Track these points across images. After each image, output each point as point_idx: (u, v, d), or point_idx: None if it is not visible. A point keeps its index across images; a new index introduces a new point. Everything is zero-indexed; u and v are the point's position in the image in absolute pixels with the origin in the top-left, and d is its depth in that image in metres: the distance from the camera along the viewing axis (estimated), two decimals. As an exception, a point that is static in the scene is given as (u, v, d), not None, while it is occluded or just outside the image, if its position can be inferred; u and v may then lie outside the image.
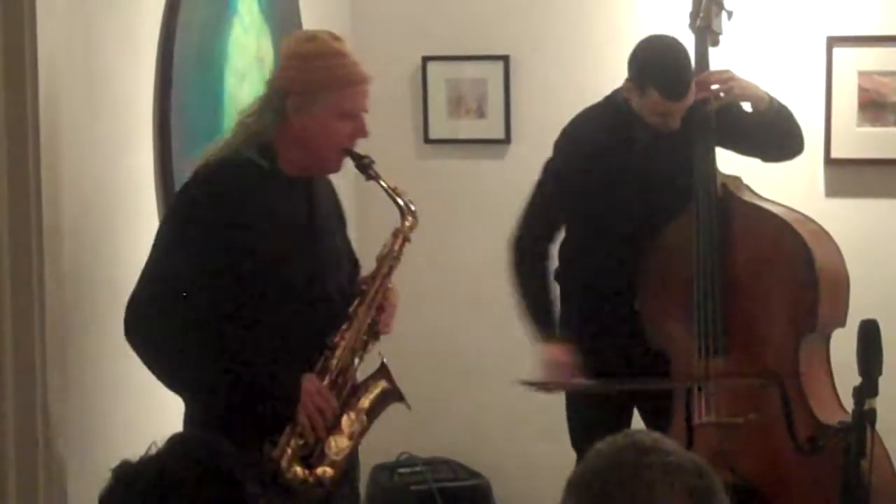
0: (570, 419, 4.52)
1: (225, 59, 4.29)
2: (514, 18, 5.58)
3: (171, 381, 3.32)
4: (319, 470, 3.32)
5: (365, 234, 4.87)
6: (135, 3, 3.76)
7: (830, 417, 4.05)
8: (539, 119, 5.56)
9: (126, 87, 3.71)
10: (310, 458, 3.32)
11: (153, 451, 2.27)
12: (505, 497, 5.46)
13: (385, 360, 3.49)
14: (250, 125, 3.36)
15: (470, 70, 5.62)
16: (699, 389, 4.20)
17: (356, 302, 3.44)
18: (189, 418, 3.38)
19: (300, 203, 3.41)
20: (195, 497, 2.18)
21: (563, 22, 5.53)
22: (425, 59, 5.62)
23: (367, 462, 4.38)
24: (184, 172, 3.90)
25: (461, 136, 5.67)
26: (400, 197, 3.48)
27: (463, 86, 5.63)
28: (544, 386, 4.32)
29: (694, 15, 4.43)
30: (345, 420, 3.37)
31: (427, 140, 5.67)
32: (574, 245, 4.47)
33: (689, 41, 4.46)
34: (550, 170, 4.47)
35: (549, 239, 4.49)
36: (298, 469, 3.29)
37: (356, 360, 3.43)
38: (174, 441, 2.31)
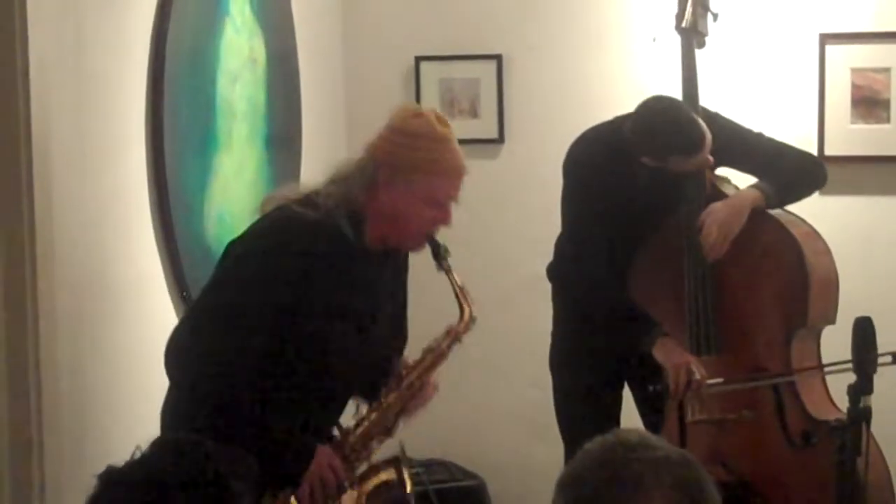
0: (559, 416, 4.51)
1: (217, 60, 4.28)
2: (506, 18, 5.58)
3: (202, 420, 3.19)
4: None
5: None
6: (126, 5, 3.75)
7: (823, 413, 4.07)
8: (532, 118, 5.56)
9: (118, 88, 3.71)
10: None
11: (137, 455, 2.27)
12: (501, 497, 5.46)
13: (403, 449, 3.44)
14: (341, 187, 3.29)
15: (463, 70, 5.61)
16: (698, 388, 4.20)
17: (390, 388, 3.42)
18: (174, 408, 3.33)
19: (371, 272, 3.36)
20: (181, 500, 2.17)
21: (555, 21, 5.53)
22: (418, 59, 5.61)
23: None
24: (176, 175, 3.91)
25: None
26: (465, 297, 3.46)
27: (456, 85, 5.62)
28: (668, 392, 4.20)
29: (679, 16, 4.42)
30: (346, 497, 3.34)
31: (420, 140, 5.66)
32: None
33: (675, 43, 4.46)
34: (570, 202, 4.40)
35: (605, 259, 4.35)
36: None
37: (374, 443, 3.41)
38: (158, 444, 2.31)
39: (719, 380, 4.15)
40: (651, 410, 4.39)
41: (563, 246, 4.45)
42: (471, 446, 5.62)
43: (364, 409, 3.43)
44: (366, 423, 3.38)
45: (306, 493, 3.26)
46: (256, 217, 3.37)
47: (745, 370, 4.20)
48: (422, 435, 5.54)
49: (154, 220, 3.87)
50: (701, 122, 4.17)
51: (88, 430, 3.48)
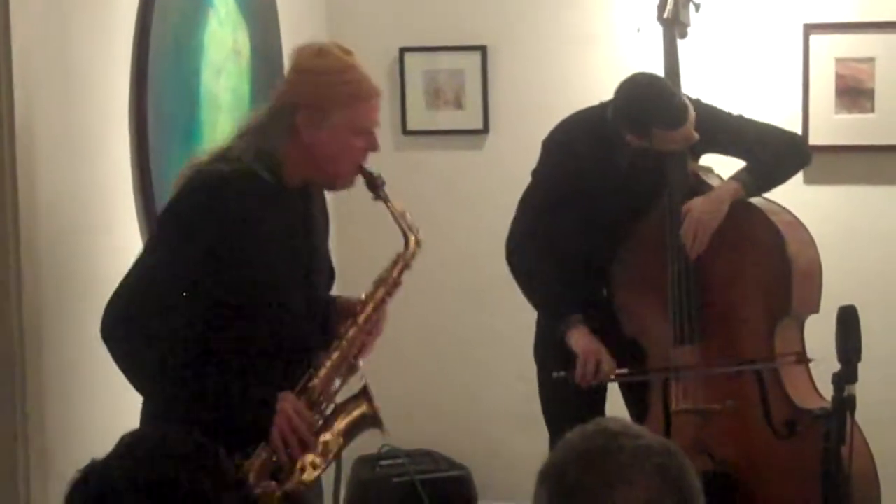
0: (544, 406, 4.52)
1: (201, 52, 4.27)
2: (490, 9, 5.59)
3: (146, 389, 3.24)
4: (288, 486, 3.25)
5: (344, 245, 4.87)
6: (110, -3, 3.75)
7: (807, 402, 4.09)
8: (517, 109, 5.57)
9: (102, 81, 3.70)
10: (280, 473, 3.25)
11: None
12: (486, 488, 5.46)
13: (367, 382, 3.41)
14: (258, 138, 3.26)
15: (447, 61, 5.62)
16: (676, 376, 4.22)
17: (348, 324, 3.38)
18: (151, 415, 3.32)
19: (298, 216, 3.35)
20: (135, 498, 2.17)
21: (539, 12, 5.54)
22: (402, 51, 5.61)
23: (350, 454, 4.38)
24: (162, 168, 3.91)
25: (439, 127, 5.67)
26: (406, 222, 3.41)
27: (440, 76, 5.63)
28: (573, 379, 4.27)
29: (661, 7, 4.42)
30: (321, 440, 3.31)
31: (405, 131, 5.68)
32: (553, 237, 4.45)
33: (659, 33, 4.46)
34: (540, 178, 4.44)
35: (546, 235, 4.40)
36: (266, 483, 3.22)
37: (339, 382, 3.37)
38: (124, 443, 2.30)
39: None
40: (636, 399, 4.41)
41: (513, 226, 4.48)
42: (456, 437, 5.63)
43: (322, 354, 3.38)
44: (328, 364, 3.34)
45: (280, 444, 3.23)
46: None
47: (727, 359, 4.21)
48: (408, 425, 5.58)
49: (138, 212, 3.87)
50: (684, 97, 4.19)
51: (73, 423, 3.47)
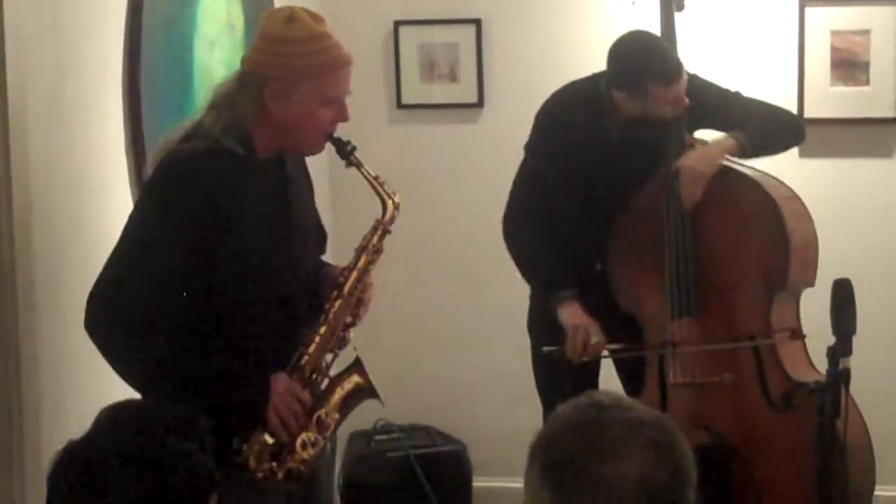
0: (537, 379, 4.52)
1: (194, 26, 4.25)
2: (485, -18, 5.57)
3: (135, 380, 3.18)
4: (289, 466, 3.25)
5: (339, 214, 4.84)
6: (102, -30, 3.73)
7: (803, 375, 4.09)
8: (511, 83, 5.55)
9: (94, 55, 3.68)
10: (280, 454, 3.25)
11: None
12: (482, 462, 5.47)
13: (359, 354, 3.40)
14: (227, 111, 3.22)
15: (442, 34, 5.60)
16: (673, 351, 4.22)
17: (333, 296, 3.35)
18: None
19: (274, 185, 3.32)
20: (125, 470, 2.17)
21: (534, -15, 5.52)
22: (397, 24, 5.59)
23: (344, 429, 4.38)
24: (155, 141, 3.89)
25: (434, 101, 5.65)
26: (381, 187, 3.37)
27: (435, 50, 5.61)
28: (564, 353, 4.27)
29: (659, -21, 4.42)
30: (317, 416, 3.30)
31: (399, 105, 5.66)
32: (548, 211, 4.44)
33: (654, 5, 4.45)
34: (533, 152, 4.42)
35: (541, 209, 4.40)
36: (267, 466, 3.23)
37: (330, 356, 3.36)
38: (104, 413, 2.30)
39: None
40: (632, 373, 4.41)
41: (508, 202, 4.47)
42: (452, 411, 5.64)
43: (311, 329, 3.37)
44: (317, 339, 3.32)
45: (277, 426, 3.22)
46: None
47: (724, 333, 4.21)
48: (403, 400, 5.57)
49: (131, 185, 3.85)
50: (677, 56, 4.19)
51: (67, 397, 3.46)
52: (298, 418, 3.26)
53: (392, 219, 3.39)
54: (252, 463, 3.21)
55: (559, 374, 4.30)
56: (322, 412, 3.31)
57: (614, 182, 4.29)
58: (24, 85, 3.24)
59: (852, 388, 3.49)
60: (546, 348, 4.29)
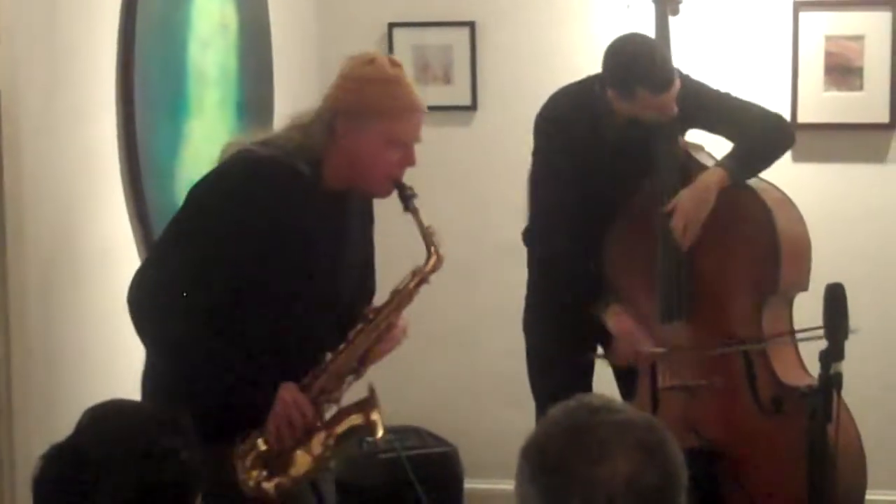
0: (532, 382, 4.52)
1: (188, 26, 4.25)
2: (479, -16, 5.57)
3: (159, 354, 3.29)
4: (276, 480, 3.26)
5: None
6: (96, -30, 3.73)
7: (794, 380, 4.09)
8: (505, 85, 5.56)
9: (88, 54, 3.68)
10: (271, 465, 3.27)
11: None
12: (473, 464, 5.47)
13: (373, 390, 3.40)
14: (300, 135, 3.31)
15: (436, 36, 5.60)
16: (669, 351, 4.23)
17: (358, 327, 3.39)
18: (152, 380, 3.35)
19: (331, 216, 3.37)
20: (114, 468, 2.17)
21: (528, -12, 5.52)
22: (391, 26, 5.59)
23: (336, 430, 4.38)
24: (147, 139, 3.89)
25: (427, 103, 5.57)
26: (431, 238, 3.44)
27: (429, 52, 5.61)
28: (612, 360, 4.29)
29: (654, -17, 4.42)
30: (316, 439, 3.31)
31: (393, 107, 5.64)
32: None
33: (649, 9, 4.45)
34: (544, 156, 4.40)
35: (573, 231, 4.31)
36: (255, 473, 3.24)
37: (343, 384, 3.38)
38: (89, 413, 2.31)
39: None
40: (624, 377, 4.41)
41: (531, 213, 4.45)
42: (444, 413, 5.63)
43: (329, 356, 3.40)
44: (333, 365, 3.35)
45: (273, 432, 3.25)
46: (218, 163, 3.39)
47: (716, 336, 4.21)
48: (395, 402, 5.55)
49: (125, 186, 3.85)
50: (674, 67, 4.18)
51: (59, 396, 3.46)
52: (297, 430, 3.27)
53: (433, 270, 3.45)
54: (240, 465, 3.22)
55: (554, 376, 4.30)
56: (320, 437, 3.32)
57: (609, 183, 4.28)
58: (17, 86, 3.24)
59: (844, 393, 3.49)
60: (593, 354, 4.28)
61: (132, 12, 3.85)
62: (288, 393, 3.27)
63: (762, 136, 4.33)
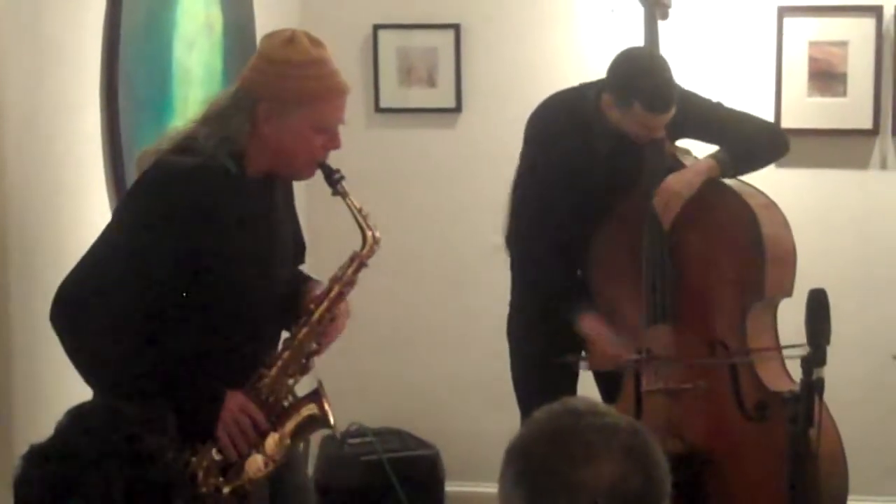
0: (516, 385, 4.52)
1: (173, 25, 4.24)
2: (465, -13, 5.57)
3: (92, 378, 3.17)
4: (235, 484, 3.23)
5: (314, 226, 4.82)
6: (81, -32, 3.72)
7: (777, 385, 4.09)
8: (490, 88, 5.56)
9: (73, 53, 3.67)
10: (227, 471, 3.23)
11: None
12: (455, 467, 5.46)
13: (320, 384, 3.37)
14: (220, 127, 3.19)
15: (421, 38, 5.60)
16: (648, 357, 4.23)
17: (300, 323, 3.33)
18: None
19: (260, 205, 3.30)
20: (99, 467, 2.17)
21: (514, -9, 5.52)
22: (376, 28, 5.59)
23: (317, 433, 4.36)
24: (133, 141, 3.88)
25: (412, 105, 5.65)
26: (364, 220, 3.34)
27: (414, 54, 5.61)
28: (583, 363, 4.29)
29: (643, -13, 4.42)
30: (270, 440, 3.26)
31: (378, 109, 5.65)
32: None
33: (636, 14, 4.45)
34: (531, 163, 4.38)
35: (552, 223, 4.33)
36: (213, 481, 3.20)
37: (290, 381, 3.33)
38: (70, 414, 2.30)
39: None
40: (608, 380, 4.41)
41: (513, 219, 4.44)
42: (425, 415, 5.63)
43: (276, 349, 3.35)
44: (279, 363, 3.30)
45: (226, 441, 3.20)
46: (136, 176, 3.28)
47: (700, 341, 4.22)
48: (376, 404, 5.58)
49: (108, 186, 3.84)
50: (675, 93, 4.14)
51: (40, 394, 3.45)
52: (248, 437, 3.23)
53: (370, 253, 3.36)
54: (200, 476, 3.19)
55: (538, 380, 4.30)
56: (275, 436, 3.28)
57: (598, 190, 4.28)
58: (2, 84, 3.23)
59: (826, 398, 3.49)
60: (566, 358, 4.27)
61: (117, 12, 3.84)
62: (234, 401, 3.22)
63: (755, 138, 4.35)
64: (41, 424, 2.92)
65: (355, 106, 5.62)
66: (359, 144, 5.38)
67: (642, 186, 4.27)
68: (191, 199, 3.13)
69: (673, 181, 4.21)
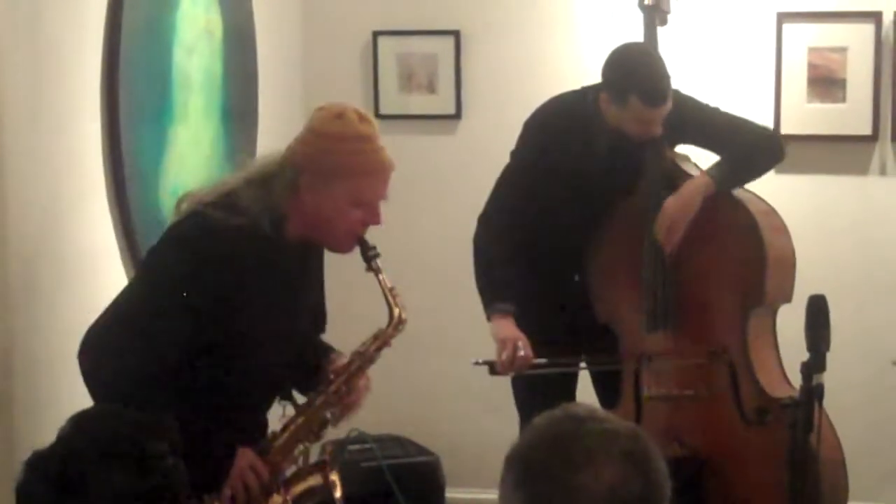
0: (515, 391, 4.52)
1: (173, 31, 4.25)
2: (464, -7, 5.57)
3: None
4: None
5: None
6: (81, -26, 3.72)
7: (777, 390, 4.10)
8: (490, 94, 5.56)
9: (73, 58, 3.67)
10: None
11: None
12: (455, 474, 5.45)
13: (331, 454, 3.41)
14: (262, 191, 3.20)
15: (420, 45, 5.60)
16: (649, 363, 4.23)
17: (317, 391, 3.36)
18: None
19: (294, 272, 3.31)
20: (102, 472, 2.17)
21: (514, -3, 5.53)
22: (376, 34, 5.59)
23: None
24: (132, 145, 3.88)
25: (412, 112, 5.65)
26: (394, 299, 3.38)
27: (413, 61, 5.61)
28: (494, 367, 4.29)
29: (643, -7, 4.43)
30: (273, 500, 3.28)
31: (377, 115, 5.63)
32: (524, 220, 4.44)
33: (637, 20, 4.45)
34: (518, 160, 4.41)
35: (514, 218, 4.39)
36: None
37: (301, 447, 3.35)
38: (75, 418, 2.30)
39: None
40: (608, 386, 4.41)
41: (486, 205, 4.46)
42: (425, 422, 5.62)
43: (291, 412, 3.38)
44: (292, 427, 3.34)
45: (227, 497, 3.20)
46: (174, 218, 3.29)
47: (701, 346, 4.22)
48: (376, 411, 5.54)
49: (108, 191, 3.84)
50: (671, 85, 4.17)
51: (41, 401, 3.45)
52: (253, 495, 3.24)
53: (395, 333, 3.42)
54: None
55: (537, 386, 4.30)
56: (279, 498, 3.29)
57: (596, 193, 4.29)
58: (2, 89, 3.23)
59: (826, 404, 3.49)
60: (475, 361, 4.29)
61: (117, 17, 3.85)
62: (244, 459, 3.23)
63: (751, 148, 4.34)
64: (43, 430, 2.93)
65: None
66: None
67: (641, 190, 4.27)
68: (227, 261, 3.14)
69: (671, 206, 4.21)
